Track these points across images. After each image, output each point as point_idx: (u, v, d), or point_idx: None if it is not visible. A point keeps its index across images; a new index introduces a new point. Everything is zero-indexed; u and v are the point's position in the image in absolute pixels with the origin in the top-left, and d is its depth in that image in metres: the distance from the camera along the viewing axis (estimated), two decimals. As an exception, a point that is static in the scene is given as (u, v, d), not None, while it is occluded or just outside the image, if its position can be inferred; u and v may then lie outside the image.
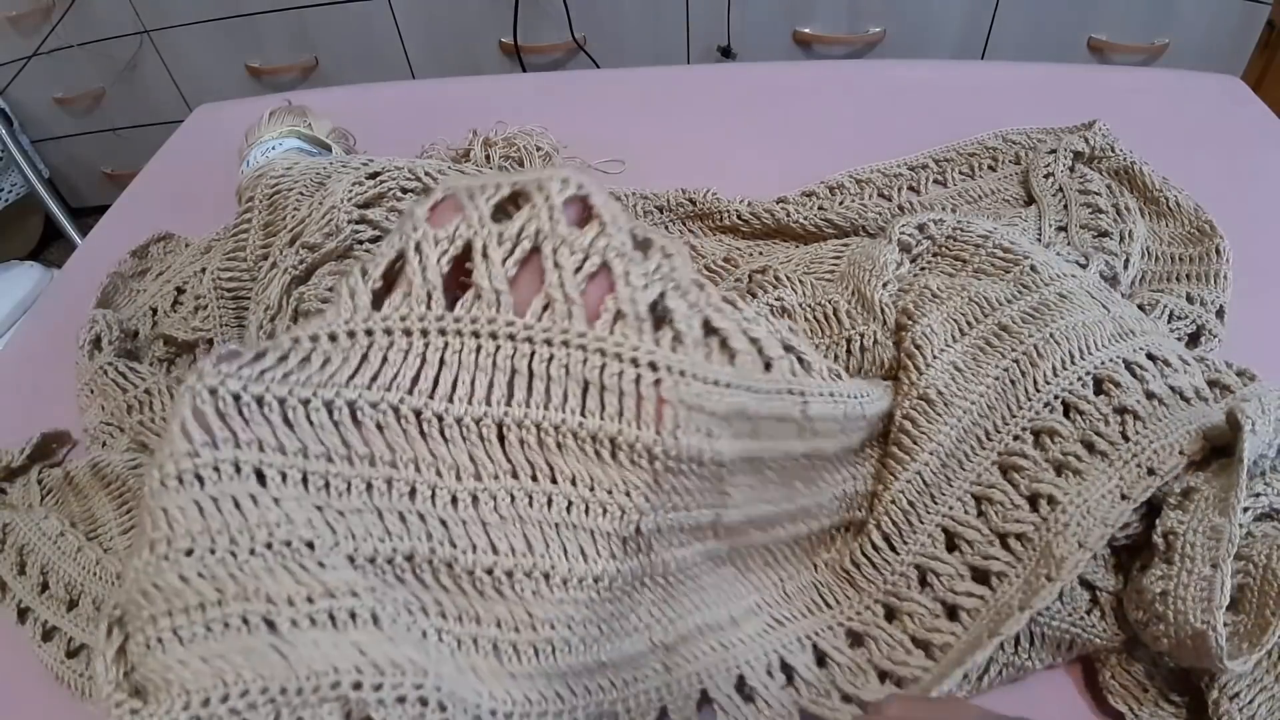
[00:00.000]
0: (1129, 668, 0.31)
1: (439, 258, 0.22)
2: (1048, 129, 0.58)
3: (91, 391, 0.46)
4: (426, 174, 0.48)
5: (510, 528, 0.21)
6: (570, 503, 0.22)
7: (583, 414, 0.22)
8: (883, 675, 0.30)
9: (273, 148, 0.58)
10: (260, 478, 0.20)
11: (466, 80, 0.79)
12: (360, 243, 0.44)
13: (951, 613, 0.31)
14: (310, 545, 0.20)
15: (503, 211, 0.24)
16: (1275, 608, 0.27)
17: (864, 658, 0.31)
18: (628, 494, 0.22)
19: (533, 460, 0.22)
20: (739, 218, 0.52)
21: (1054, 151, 0.53)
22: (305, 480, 0.20)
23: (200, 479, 0.19)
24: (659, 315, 0.23)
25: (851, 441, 0.33)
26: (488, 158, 0.61)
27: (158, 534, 0.19)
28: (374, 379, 0.21)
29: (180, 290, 0.54)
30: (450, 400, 0.21)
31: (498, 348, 0.22)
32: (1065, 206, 0.49)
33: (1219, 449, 0.31)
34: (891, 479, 0.33)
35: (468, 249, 0.22)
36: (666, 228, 0.54)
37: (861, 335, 0.39)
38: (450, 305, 0.22)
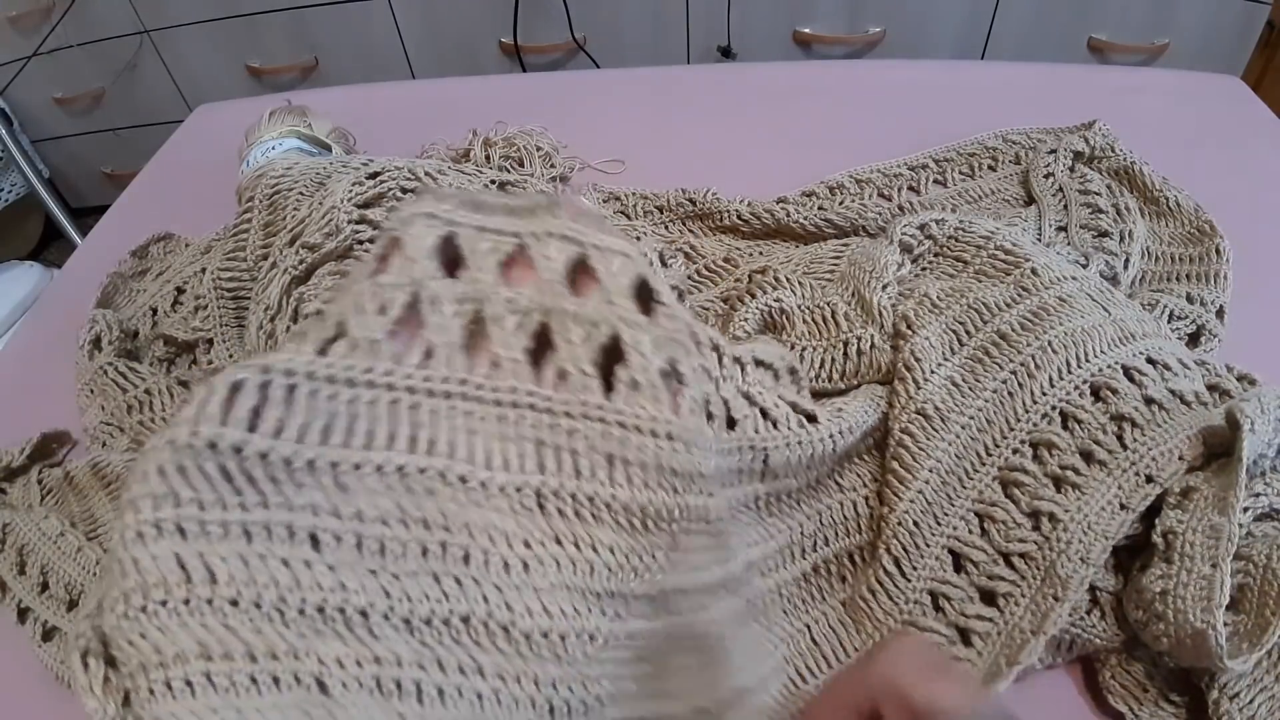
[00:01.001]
0: (1129, 668, 0.31)
1: (454, 314, 0.22)
2: (1048, 129, 0.58)
3: (91, 391, 0.46)
4: (426, 174, 0.48)
5: (559, 594, 0.21)
6: (609, 570, 0.22)
7: (613, 486, 0.22)
8: None
9: (273, 148, 0.58)
10: (315, 542, 0.20)
11: (466, 80, 0.79)
12: (360, 243, 0.44)
13: (965, 637, 0.31)
14: (364, 613, 0.19)
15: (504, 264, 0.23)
16: (1275, 607, 0.28)
17: None
18: (654, 556, 0.23)
19: (574, 531, 0.22)
20: (739, 218, 0.52)
21: (1054, 151, 0.53)
22: (360, 544, 0.20)
23: (249, 534, 0.19)
24: (671, 378, 0.23)
25: (822, 472, 0.33)
26: (488, 158, 0.61)
27: (197, 576, 0.18)
28: (413, 442, 0.21)
29: (180, 290, 0.54)
30: (489, 468, 0.21)
31: (520, 417, 0.22)
32: (1065, 206, 0.49)
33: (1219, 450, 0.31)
34: (895, 499, 0.34)
35: (480, 309, 0.22)
36: (666, 228, 0.54)
37: (859, 339, 0.39)
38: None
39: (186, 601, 0.18)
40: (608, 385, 0.22)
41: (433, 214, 0.23)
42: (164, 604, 0.18)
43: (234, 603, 0.18)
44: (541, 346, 0.22)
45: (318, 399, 0.21)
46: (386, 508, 0.20)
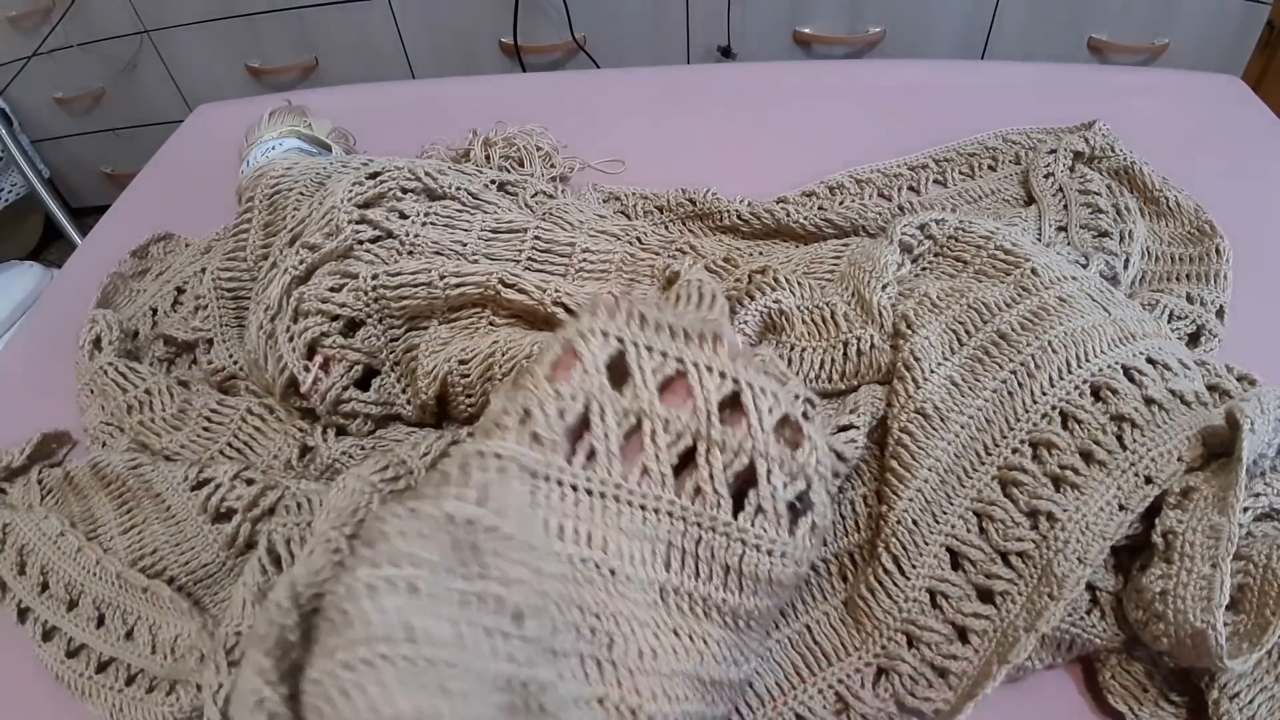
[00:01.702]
0: (1129, 668, 0.31)
1: (616, 424, 0.25)
2: (1048, 129, 0.58)
3: (91, 391, 0.46)
4: (426, 174, 0.48)
5: (675, 681, 0.24)
6: (716, 661, 0.25)
7: (725, 591, 0.25)
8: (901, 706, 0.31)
9: (273, 148, 0.58)
10: (518, 617, 0.21)
11: (466, 80, 0.79)
12: (360, 243, 0.44)
13: (963, 635, 0.31)
14: (543, 688, 0.21)
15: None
16: (1275, 607, 0.27)
17: (886, 692, 0.31)
18: (747, 652, 0.26)
19: (689, 625, 0.25)
20: (739, 218, 0.52)
21: (1054, 151, 0.53)
22: (540, 613, 0.22)
23: (466, 602, 0.21)
24: (798, 505, 0.26)
25: None
26: (488, 158, 0.61)
27: (421, 636, 0.19)
28: (576, 534, 0.24)
29: (180, 290, 0.54)
30: (631, 563, 0.24)
31: (659, 521, 0.25)
32: (1065, 206, 0.49)
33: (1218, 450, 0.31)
34: (894, 498, 0.34)
35: (639, 423, 0.25)
36: (666, 228, 0.54)
37: (859, 339, 0.39)
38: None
39: (408, 659, 0.19)
40: (738, 505, 0.25)
41: (608, 332, 0.25)
42: (386, 658, 0.19)
43: (450, 665, 0.19)
44: (685, 462, 0.25)
45: (522, 485, 0.23)
46: (561, 591, 0.23)
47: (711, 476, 0.25)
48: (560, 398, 0.24)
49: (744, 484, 0.25)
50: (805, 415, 0.26)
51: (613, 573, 0.23)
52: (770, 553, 0.25)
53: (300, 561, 0.24)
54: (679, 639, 0.24)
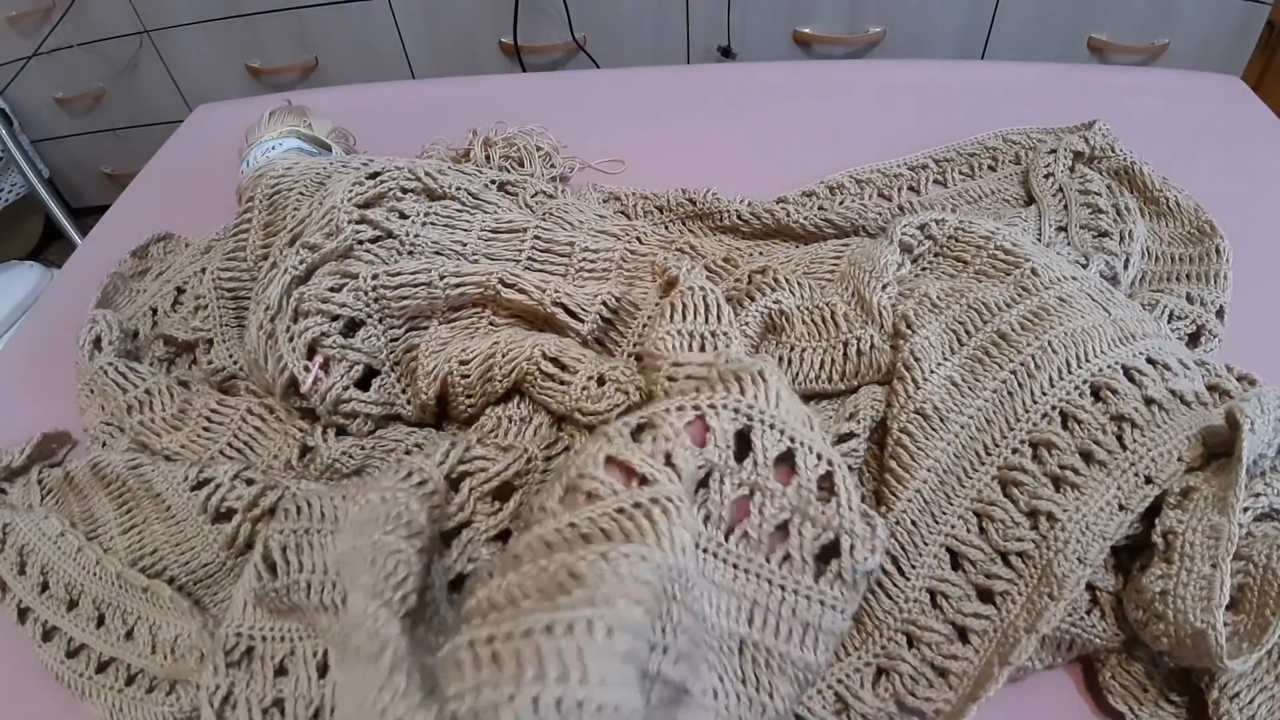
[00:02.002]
0: (1129, 668, 0.31)
1: (732, 492, 0.28)
2: (1048, 129, 0.58)
3: (91, 391, 0.46)
4: (426, 174, 0.48)
5: None
6: (777, 713, 0.27)
7: (802, 649, 0.27)
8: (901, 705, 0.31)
9: (273, 148, 0.58)
10: (693, 667, 0.24)
11: (466, 80, 0.79)
12: (360, 243, 0.44)
13: (963, 635, 0.31)
14: None
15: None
16: (1275, 607, 0.28)
17: (886, 692, 0.31)
18: (799, 703, 0.28)
19: (759, 676, 0.27)
20: (739, 218, 0.52)
21: (1054, 151, 0.53)
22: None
23: (655, 654, 0.23)
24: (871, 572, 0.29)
25: None
26: (488, 158, 0.61)
27: (626, 703, 0.21)
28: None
29: (180, 290, 0.54)
30: (718, 614, 0.27)
31: (749, 579, 0.27)
32: (1065, 206, 0.49)
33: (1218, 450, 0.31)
34: (894, 498, 0.34)
35: (751, 494, 0.28)
36: (666, 228, 0.54)
37: (859, 339, 0.39)
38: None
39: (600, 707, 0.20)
40: (819, 571, 0.28)
41: (739, 409, 0.28)
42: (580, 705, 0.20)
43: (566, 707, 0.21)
44: (781, 530, 0.28)
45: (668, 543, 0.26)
46: (678, 646, 0.25)
47: (802, 547, 0.28)
48: (694, 458, 0.27)
49: (827, 554, 0.28)
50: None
51: (703, 619, 0.26)
52: (844, 612, 0.28)
53: (365, 570, 0.26)
54: (746, 688, 0.27)
